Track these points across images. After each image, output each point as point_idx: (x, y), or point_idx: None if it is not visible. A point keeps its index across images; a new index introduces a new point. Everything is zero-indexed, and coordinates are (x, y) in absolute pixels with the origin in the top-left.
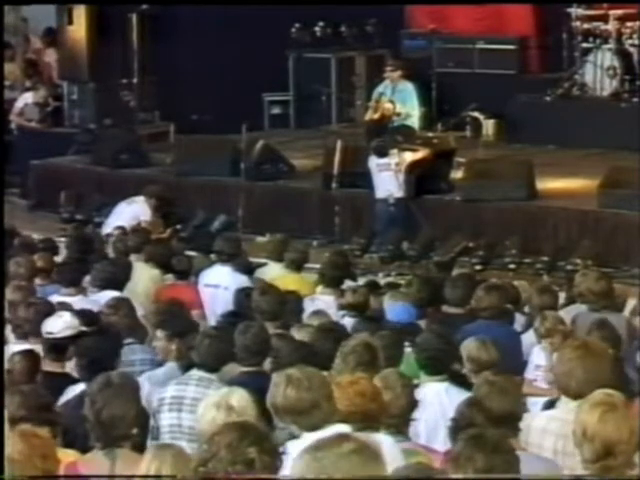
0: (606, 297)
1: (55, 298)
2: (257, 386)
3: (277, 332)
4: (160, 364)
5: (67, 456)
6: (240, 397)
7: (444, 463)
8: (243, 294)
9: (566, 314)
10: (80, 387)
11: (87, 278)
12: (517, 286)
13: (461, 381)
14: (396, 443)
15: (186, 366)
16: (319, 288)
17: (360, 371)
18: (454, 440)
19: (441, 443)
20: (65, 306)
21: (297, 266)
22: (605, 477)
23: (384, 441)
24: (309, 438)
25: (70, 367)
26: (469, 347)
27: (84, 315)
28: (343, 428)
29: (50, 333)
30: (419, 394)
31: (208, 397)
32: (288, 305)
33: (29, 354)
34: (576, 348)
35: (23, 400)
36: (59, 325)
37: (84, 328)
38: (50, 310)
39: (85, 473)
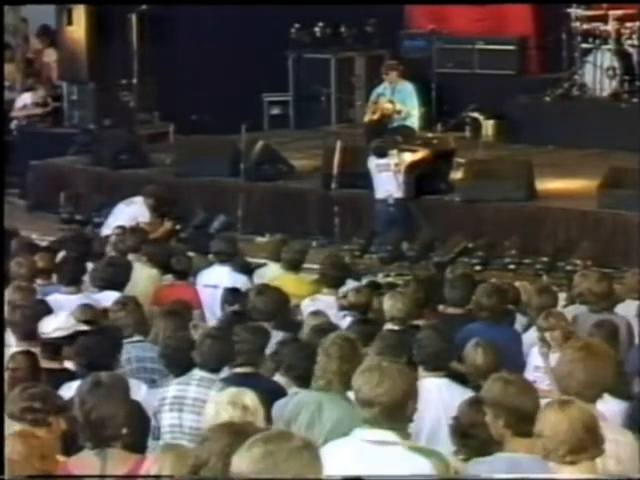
0: (606, 298)
1: (55, 298)
2: (251, 388)
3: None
4: None
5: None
6: (252, 397)
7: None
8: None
9: (566, 315)
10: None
11: (87, 278)
12: (517, 287)
13: (460, 380)
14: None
15: (186, 366)
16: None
17: (343, 363)
18: (455, 440)
19: (444, 440)
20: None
21: (293, 266)
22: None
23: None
24: None
25: (68, 365)
26: (470, 353)
27: (83, 312)
28: None
29: (43, 333)
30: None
31: (219, 396)
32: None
33: (30, 354)
34: (578, 349)
35: (30, 393)
36: (52, 325)
37: (81, 327)
38: (47, 311)
39: (76, 473)
